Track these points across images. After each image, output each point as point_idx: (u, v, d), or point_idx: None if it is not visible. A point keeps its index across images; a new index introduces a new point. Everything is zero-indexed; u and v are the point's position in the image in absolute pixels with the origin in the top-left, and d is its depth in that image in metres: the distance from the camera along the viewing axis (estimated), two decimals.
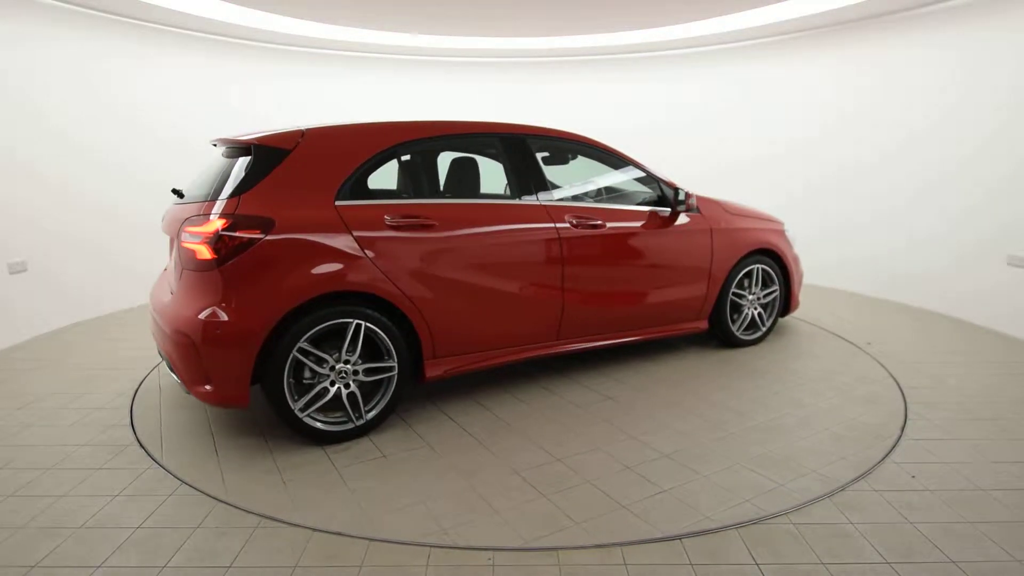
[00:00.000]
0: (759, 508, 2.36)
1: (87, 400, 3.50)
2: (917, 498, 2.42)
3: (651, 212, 3.83)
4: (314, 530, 2.24)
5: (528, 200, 3.43)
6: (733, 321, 4.26)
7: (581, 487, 2.53)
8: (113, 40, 5.52)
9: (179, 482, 2.60)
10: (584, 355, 4.12)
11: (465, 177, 3.60)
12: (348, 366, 2.91)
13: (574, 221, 3.48)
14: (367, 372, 2.97)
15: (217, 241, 2.68)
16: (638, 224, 3.76)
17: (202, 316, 2.69)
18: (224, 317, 2.67)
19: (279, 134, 3.00)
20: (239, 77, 6.63)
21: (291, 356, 2.76)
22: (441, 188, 3.62)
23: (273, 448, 2.91)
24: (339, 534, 2.22)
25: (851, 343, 4.41)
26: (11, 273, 4.67)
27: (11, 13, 4.73)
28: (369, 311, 2.92)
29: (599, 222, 3.57)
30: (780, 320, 4.81)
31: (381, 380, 3.05)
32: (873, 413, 3.20)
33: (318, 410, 2.91)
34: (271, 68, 6.86)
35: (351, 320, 2.87)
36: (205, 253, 2.69)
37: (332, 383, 2.90)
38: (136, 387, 3.70)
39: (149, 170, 5.70)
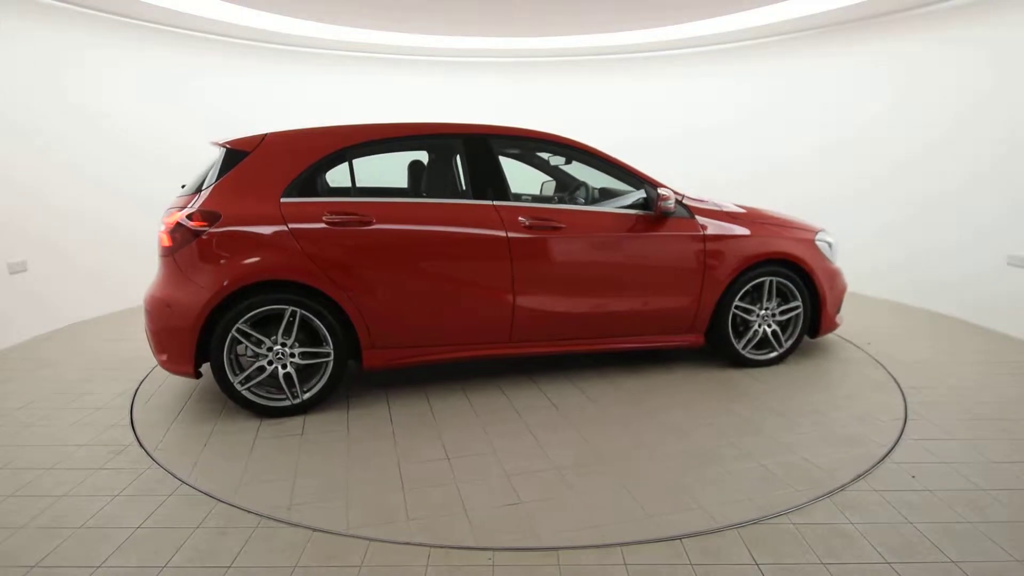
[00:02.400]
0: (604, 535, 2.19)
1: (87, 400, 3.51)
2: (917, 498, 2.42)
3: (628, 215, 3.56)
4: (314, 530, 2.25)
5: (479, 200, 3.39)
6: (740, 337, 3.82)
7: (443, 487, 2.54)
8: (114, 40, 5.52)
9: (179, 482, 2.61)
10: (566, 359, 4.02)
11: (426, 176, 3.65)
12: (285, 349, 3.15)
13: (528, 222, 3.37)
14: (304, 356, 3.20)
15: (173, 231, 3.07)
16: (610, 226, 3.53)
17: (157, 295, 3.13)
18: (173, 298, 3.06)
19: (245, 138, 3.27)
20: (239, 76, 6.63)
21: (229, 336, 3.06)
22: (397, 187, 3.67)
23: (223, 418, 3.22)
24: (339, 534, 2.22)
25: (875, 363, 3.93)
26: (11, 273, 4.67)
27: (12, 12, 4.73)
28: (307, 300, 3.12)
29: (560, 224, 3.41)
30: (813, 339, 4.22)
31: (320, 364, 3.24)
32: (833, 457, 2.72)
33: (265, 387, 3.19)
34: (272, 68, 6.86)
35: (286, 307, 3.10)
36: (165, 241, 3.12)
37: (270, 363, 3.16)
38: (136, 387, 3.70)
39: (149, 170, 5.70)
